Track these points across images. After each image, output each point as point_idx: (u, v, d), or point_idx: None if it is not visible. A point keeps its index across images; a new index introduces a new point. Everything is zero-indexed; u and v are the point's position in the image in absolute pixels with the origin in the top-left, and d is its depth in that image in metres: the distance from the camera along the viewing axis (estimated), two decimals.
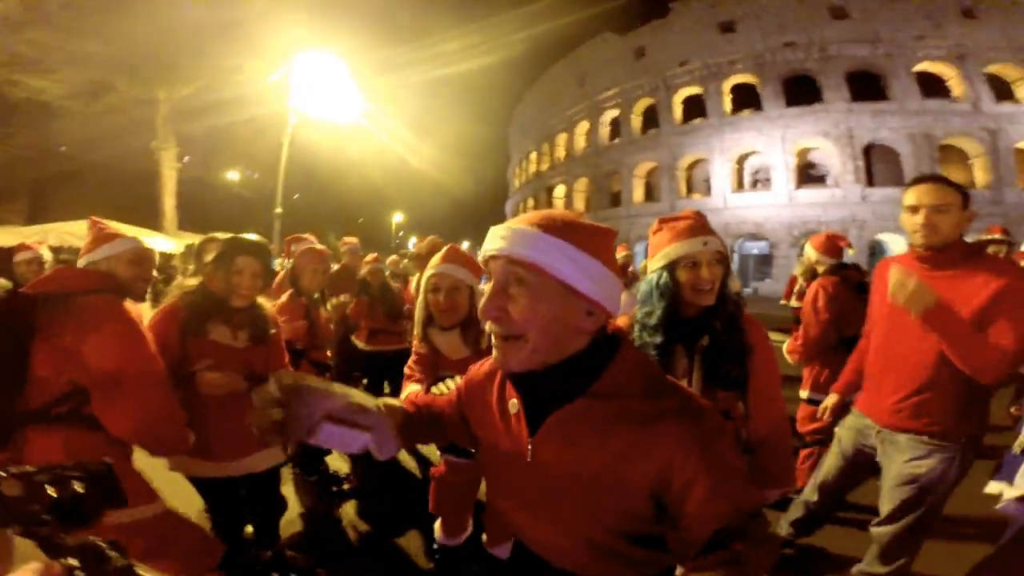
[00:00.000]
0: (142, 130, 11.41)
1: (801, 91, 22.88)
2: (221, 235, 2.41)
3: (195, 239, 3.09)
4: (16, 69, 8.88)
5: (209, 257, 2.01)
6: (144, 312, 1.74)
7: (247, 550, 2.30)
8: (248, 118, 11.63)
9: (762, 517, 0.78)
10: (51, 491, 0.67)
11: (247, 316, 2.01)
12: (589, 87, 30.55)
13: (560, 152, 33.50)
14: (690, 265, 1.48)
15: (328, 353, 3.24)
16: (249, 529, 2.31)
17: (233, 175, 20.76)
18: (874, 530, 1.98)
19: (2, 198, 13.56)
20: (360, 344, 4.09)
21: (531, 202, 36.43)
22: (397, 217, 49.37)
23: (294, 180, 16.16)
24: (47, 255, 3.92)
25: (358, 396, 0.89)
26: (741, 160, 24.92)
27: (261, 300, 2.10)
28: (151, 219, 12.94)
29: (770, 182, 23.79)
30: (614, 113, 29.38)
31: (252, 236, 2.08)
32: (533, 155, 36.94)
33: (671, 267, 1.50)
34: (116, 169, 13.42)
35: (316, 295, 3.08)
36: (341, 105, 10.73)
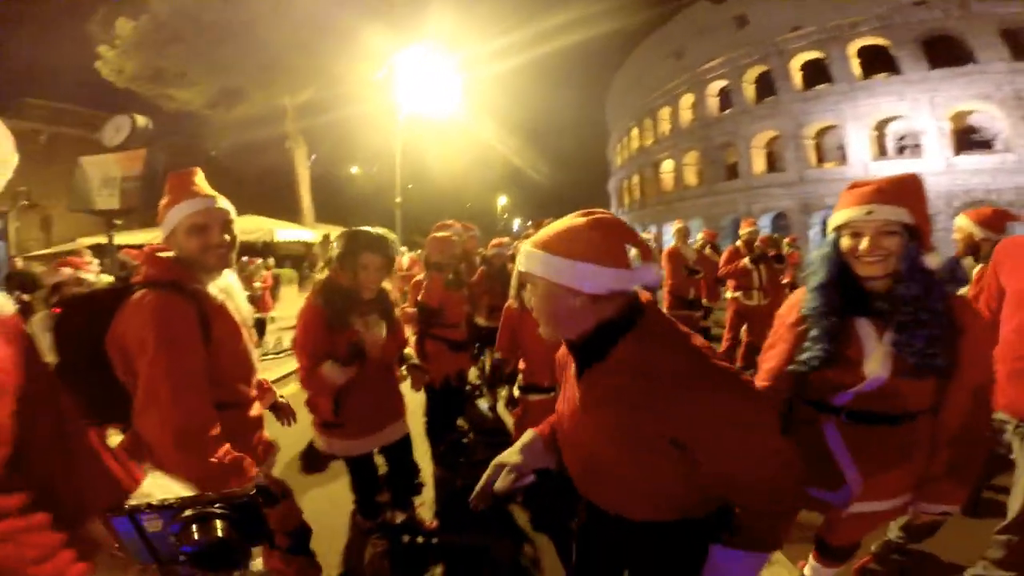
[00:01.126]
0: (275, 132, 12.93)
1: (944, 52, 19.62)
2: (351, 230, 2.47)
3: (329, 229, 3.47)
4: (165, 83, 10.47)
5: (335, 253, 2.17)
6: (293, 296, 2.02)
7: (382, 513, 2.62)
8: (361, 114, 12.64)
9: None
10: (195, 532, 0.65)
11: (377, 303, 2.22)
12: (688, 59, 28.84)
13: (664, 126, 31.89)
14: (852, 234, 1.40)
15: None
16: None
17: (355, 169, 22.72)
18: (998, 537, 1.84)
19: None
20: (480, 321, 4.45)
21: (636, 178, 35.29)
22: (501, 200, 50.64)
23: (407, 170, 17.28)
24: None
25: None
26: (881, 126, 21.89)
27: (384, 283, 2.29)
28: (290, 212, 14.74)
29: (920, 148, 20.66)
30: (721, 84, 27.40)
31: (374, 229, 2.19)
32: (634, 131, 35.54)
33: (836, 234, 1.45)
34: (257, 169, 15.20)
35: (450, 276, 3.47)
36: (443, 95, 11.24)
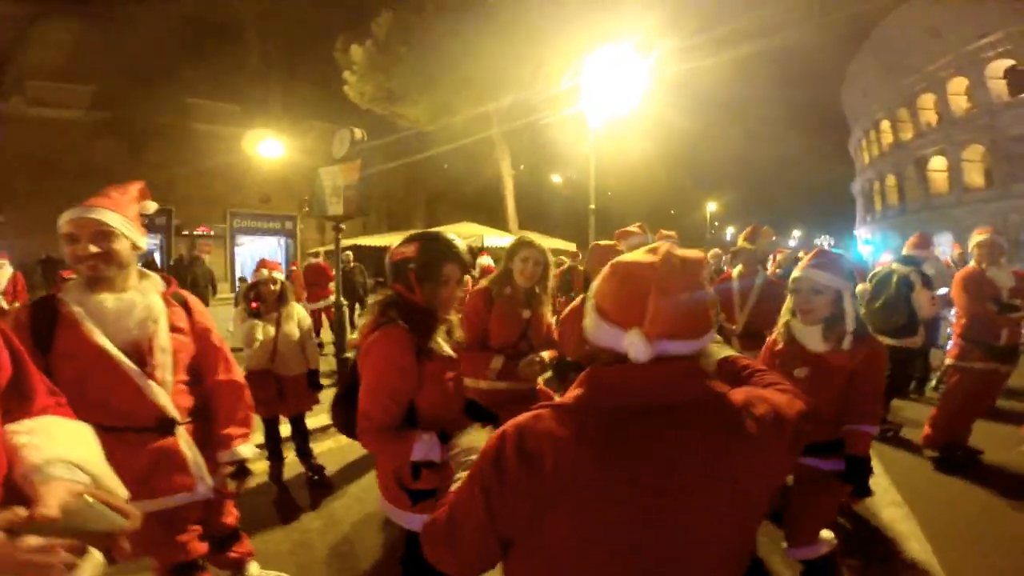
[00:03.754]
0: (482, 142, 13.81)
1: None
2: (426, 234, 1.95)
3: (531, 236, 3.32)
4: (395, 103, 11.89)
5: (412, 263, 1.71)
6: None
7: None
8: (556, 120, 12.70)
9: None
10: None
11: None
12: (952, 36, 22.81)
13: (928, 116, 25.45)
14: None
15: None
16: None
17: (556, 177, 23.34)
18: None
19: (407, 209, 18.59)
20: None
21: (891, 179, 29.23)
22: (711, 207, 46.21)
23: (605, 176, 16.96)
24: None
25: None
26: None
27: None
28: (498, 220, 15.73)
29: None
30: (1004, 63, 21.40)
31: (449, 235, 1.77)
32: (885, 124, 29.27)
33: None
34: (470, 177, 16.47)
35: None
36: (638, 96, 10.53)
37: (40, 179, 11.81)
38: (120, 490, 0.97)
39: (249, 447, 1.89)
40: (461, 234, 13.94)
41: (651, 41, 11.04)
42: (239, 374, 1.96)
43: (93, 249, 1.57)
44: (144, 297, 1.70)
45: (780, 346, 2.24)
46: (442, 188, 17.16)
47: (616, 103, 10.39)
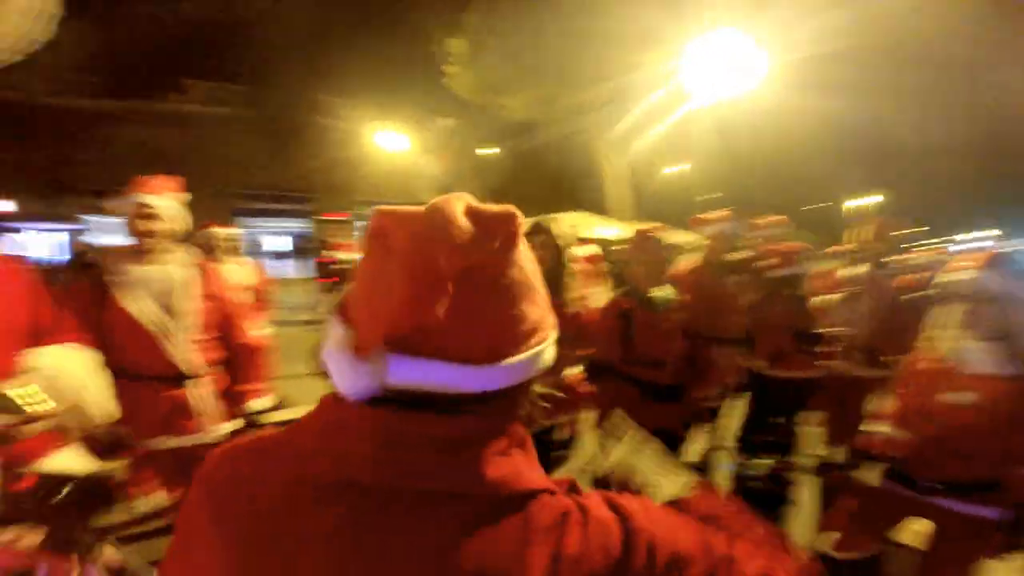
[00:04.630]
0: (583, 130, 13.34)
1: None
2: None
3: (638, 225, 3.00)
4: (496, 94, 11.89)
5: None
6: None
7: None
8: (664, 105, 11.78)
9: None
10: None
11: None
12: None
13: None
14: None
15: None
16: None
17: (676, 167, 21.86)
18: None
19: (516, 200, 18.87)
20: (759, 366, 3.12)
21: None
22: (873, 199, 38.45)
23: (729, 166, 15.57)
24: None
25: None
26: None
27: None
28: (601, 209, 15.24)
29: None
30: None
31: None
32: None
33: None
34: (572, 166, 16.09)
35: (651, 295, 2.47)
36: (759, 78, 9.35)
37: (194, 170, 14.00)
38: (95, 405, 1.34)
39: (262, 401, 2.13)
40: (568, 223, 13.76)
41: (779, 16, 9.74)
42: (255, 337, 2.19)
43: (143, 226, 1.90)
44: (178, 268, 1.97)
45: (927, 365, 1.86)
46: (551, 177, 17.05)
47: (735, 86, 9.38)
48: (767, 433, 3.21)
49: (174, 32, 13.11)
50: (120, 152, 12.59)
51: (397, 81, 14.20)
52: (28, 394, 1.15)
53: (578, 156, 15.04)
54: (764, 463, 3.15)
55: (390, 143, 12.83)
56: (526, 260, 0.50)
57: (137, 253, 1.93)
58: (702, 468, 3.30)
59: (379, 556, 0.43)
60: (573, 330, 2.48)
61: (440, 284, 0.44)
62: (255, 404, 2.12)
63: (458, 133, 15.13)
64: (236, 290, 2.22)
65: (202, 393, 1.99)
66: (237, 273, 3.52)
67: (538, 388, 1.54)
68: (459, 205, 0.47)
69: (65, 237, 13.12)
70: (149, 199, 1.91)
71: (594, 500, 0.52)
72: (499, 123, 13.38)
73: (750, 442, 3.19)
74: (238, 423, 2.09)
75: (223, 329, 2.07)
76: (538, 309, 0.51)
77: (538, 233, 2.37)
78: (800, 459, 3.23)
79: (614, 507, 0.52)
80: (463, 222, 0.46)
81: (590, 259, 3.51)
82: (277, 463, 0.49)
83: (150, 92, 14.16)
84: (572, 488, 0.53)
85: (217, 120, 14.89)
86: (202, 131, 14.52)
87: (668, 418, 2.48)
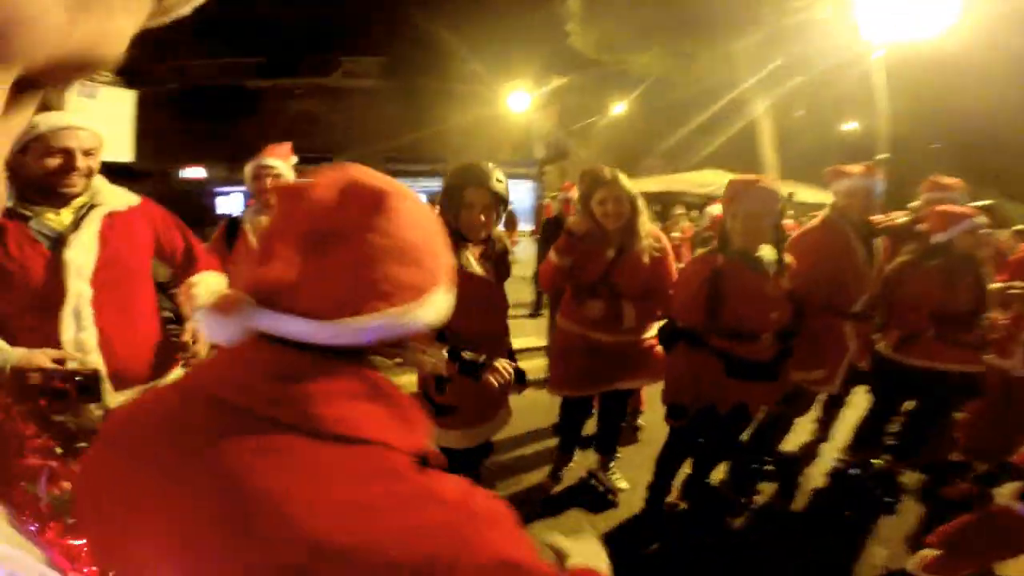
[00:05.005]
0: (732, 86, 11.90)
1: None
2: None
3: (795, 187, 2.63)
4: (621, 51, 11.14)
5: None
6: None
7: None
8: (828, 51, 9.99)
9: None
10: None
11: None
12: None
13: None
14: None
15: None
16: None
17: (844, 124, 18.80)
18: None
19: (645, 158, 17.78)
20: (883, 349, 2.65)
21: None
22: None
23: (909, 126, 13.00)
24: None
25: None
26: None
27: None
28: (755, 169, 13.69)
29: None
30: None
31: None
32: None
33: None
34: (716, 126, 14.65)
35: (752, 254, 2.14)
36: (952, 18, 7.37)
37: (345, 136, 15.80)
38: None
39: None
40: (699, 182, 12.80)
41: None
42: None
43: (260, 184, 2.35)
44: None
45: None
46: (683, 136, 15.87)
47: (920, 28, 7.59)
48: (886, 430, 2.79)
49: (327, 12, 14.71)
50: (285, 123, 14.63)
51: (522, 43, 14.16)
52: None
53: (722, 112, 13.70)
54: (875, 463, 2.76)
55: (519, 104, 13.03)
56: (398, 227, 0.54)
57: (262, 207, 2.34)
58: (797, 462, 2.99)
59: (202, 460, 0.47)
60: (639, 284, 2.36)
61: (288, 244, 0.50)
62: None
63: (584, 91, 14.76)
64: None
65: None
66: None
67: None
68: (334, 176, 0.54)
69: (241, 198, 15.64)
70: (268, 161, 2.29)
71: (436, 480, 0.52)
72: (632, 79, 12.68)
73: (865, 438, 2.80)
74: None
75: None
76: (410, 272, 0.54)
77: (603, 185, 2.27)
78: (921, 464, 2.78)
79: (454, 499, 0.51)
80: (321, 191, 0.52)
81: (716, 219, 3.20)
82: (171, 388, 0.57)
83: (312, 68, 16.11)
84: (423, 460, 0.53)
85: (364, 91, 16.44)
86: (351, 102, 16.18)
87: (756, 398, 2.26)
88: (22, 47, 0.19)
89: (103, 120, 1.46)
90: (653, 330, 2.45)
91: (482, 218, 1.75)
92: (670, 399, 2.22)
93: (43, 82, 0.21)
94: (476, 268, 1.81)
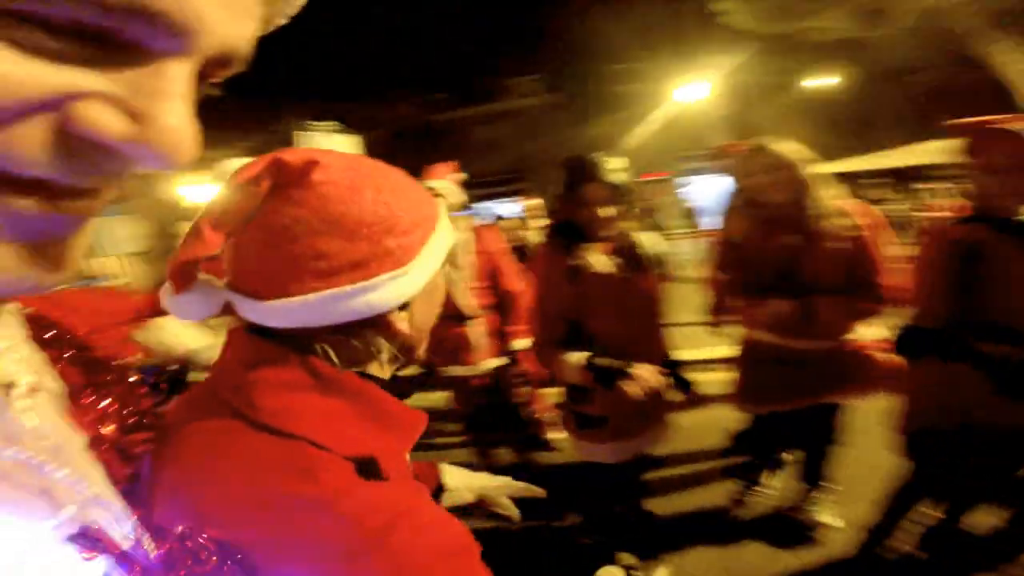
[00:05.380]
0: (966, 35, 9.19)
1: None
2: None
3: None
4: (796, 19, 9.20)
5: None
6: None
7: None
8: None
9: None
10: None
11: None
12: None
13: None
14: None
15: None
16: None
17: None
18: None
19: (868, 129, 14.97)
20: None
21: None
22: None
23: None
24: None
25: None
26: None
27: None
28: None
29: None
30: None
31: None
32: None
33: None
34: (956, 86, 11.71)
35: None
36: None
37: (522, 153, 16.73)
38: None
39: (523, 341, 2.43)
40: (927, 151, 10.30)
41: None
42: (518, 285, 2.51)
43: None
44: (460, 231, 2.42)
45: None
46: (921, 101, 13.01)
47: None
48: None
49: (491, 40, 16.02)
50: (469, 151, 16.23)
51: (676, 35, 13.32)
52: None
53: (964, 69, 10.83)
54: None
55: (688, 95, 12.19)
56: (329, 200, 0.49)
57: None
58: None
59: (177, 434, 0.50)
60: (831, 274, 1.85)
61: (215, 225, 0.48)
62: (517, 343, 2.47)
63: (754, 69, 13.17)
64: (502, 248, 2.61)
65: (478, 331, 2.46)
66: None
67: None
68: (266, 156, 0.49)
69: None
70: (429, 183, 2.42)
71: (365, 493, 0.47)
72: (829, 46, 10.77)
73: None
74: (503, 360, 2.49)
75: (492, 279, 2.49)
76: (352, 248, 0.49)
77: (759, 156, 1.88)
78: None
79: (370, 522, 0.45)
80: (246, 170, 0.48)
81: None
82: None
83: (484, 95, 17.69)
84: (367, 469, 0.48)
85: (534, 109, 17.32)
86: (522, 120, 17.17)
87: None
88: (200, 43, 0.23)
89: None
90: (870, 332, 1.95)
91: (601, 213, 1.63)
92: (918, 426, 1.69)
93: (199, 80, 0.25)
94: (604, 266, 1.68)
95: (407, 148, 17.08)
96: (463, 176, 2.58)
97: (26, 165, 0.22)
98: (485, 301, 2.48)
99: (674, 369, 1.73)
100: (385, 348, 0.57)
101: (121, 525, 0.36)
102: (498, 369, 2.50)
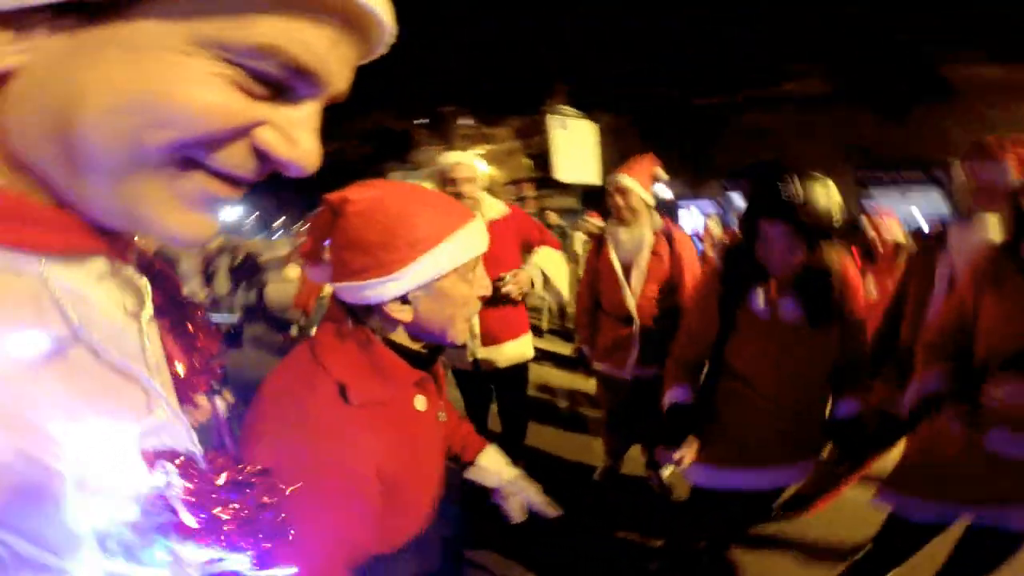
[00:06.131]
0: None
1: None
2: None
3: None
4: None
5: None
6: None
7: None
8: None
9: None
10: None
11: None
12: None
13: None
14: None
15: None
16: None
17: None
18: None
19: None
20: None
21: None
22: None
23: None
24: None
25: None
26: None
27: None
28: None
29: None
30: None
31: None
32: None
33: None
34: None
35: None
36: None
37: (784, 144, 14.25)
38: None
39: None
40: None
41: None
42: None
43: (619, 201, 2.38)
44: (647, 232, 2.37)
45: None
46: None
47: None
48: None
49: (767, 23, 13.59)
50: (733, 139, 14.69)
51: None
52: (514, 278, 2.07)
53: None
54: None
55: None
56: (353, 227, 0.75)
57: (620, 219, 2.42)
58: None
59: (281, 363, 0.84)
60: None
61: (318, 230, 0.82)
62: None
63: None
64: (691, 256, 2.42)
65: (635, 335, 2.38)
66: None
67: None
68: (330, 194, 0.79)
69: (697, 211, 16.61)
70: (619, 178, 2.37)
71: (346, 424, 0.75)
72: None
73: None
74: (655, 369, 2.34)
75: (668, 283, 2.37)
76: (363, 257, 0.75)
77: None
78: None
79: (326, 445, 0.74)
80: (326, 200, 0.79)
81: None
82: None
83: (756, 81, 15.40)
84: (342, 392, 0.75)
85: (812, 99, 14.50)
86: (800, 110, 14.58)
87: None
88: (328, 90, 0.35)
89: (572, 146, 2.05)
90: None
91: (778, 251, 1.37)
92: None
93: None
94: (774, 307, 1.45)
95: (658, 133, 16.39)
96: (664, 176, 2.48)
97: (241, 170, 0.33)
98: (659, 308, 2.37)
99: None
100: (396, 326, 0.79)
101: (192, 445, 0.41)
102: (648, 378, 2.37)
